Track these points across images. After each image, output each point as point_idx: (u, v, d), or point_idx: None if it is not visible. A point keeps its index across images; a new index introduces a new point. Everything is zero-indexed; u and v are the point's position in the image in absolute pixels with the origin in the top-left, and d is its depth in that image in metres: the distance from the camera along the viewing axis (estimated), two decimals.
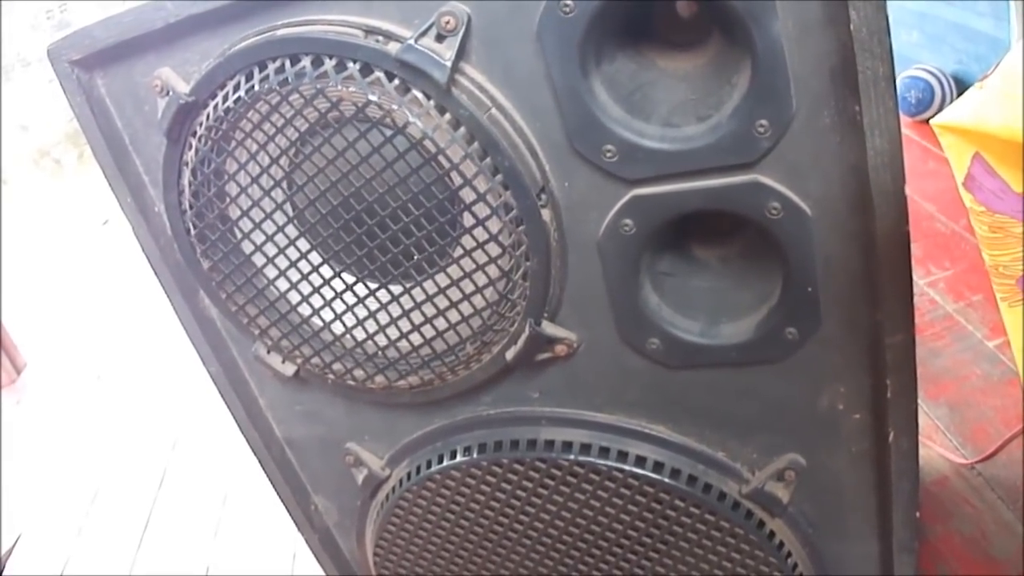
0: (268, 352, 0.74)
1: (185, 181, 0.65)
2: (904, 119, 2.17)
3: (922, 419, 0.73)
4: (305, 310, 0.69)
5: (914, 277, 0.58)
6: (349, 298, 0.67)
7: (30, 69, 3.82)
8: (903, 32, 2.29)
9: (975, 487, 1.23)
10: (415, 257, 0.62)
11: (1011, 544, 1.13)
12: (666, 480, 0.68)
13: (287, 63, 0.59)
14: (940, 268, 1.68)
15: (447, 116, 0.57)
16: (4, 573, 1.65)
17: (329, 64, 0.57)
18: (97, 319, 2.57)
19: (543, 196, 0.59)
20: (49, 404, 2.23)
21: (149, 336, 2.30)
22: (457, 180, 0.58)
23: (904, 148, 0.52)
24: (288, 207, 0.64)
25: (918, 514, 0.68)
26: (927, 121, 2.12)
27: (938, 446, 1.29)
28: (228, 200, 0.65)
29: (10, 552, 1.69)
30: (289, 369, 0.74)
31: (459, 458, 0.74)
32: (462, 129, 0.57)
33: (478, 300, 0.63)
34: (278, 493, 0.87)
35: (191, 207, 0.66)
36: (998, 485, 1.22)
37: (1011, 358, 1.42)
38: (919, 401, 0.62)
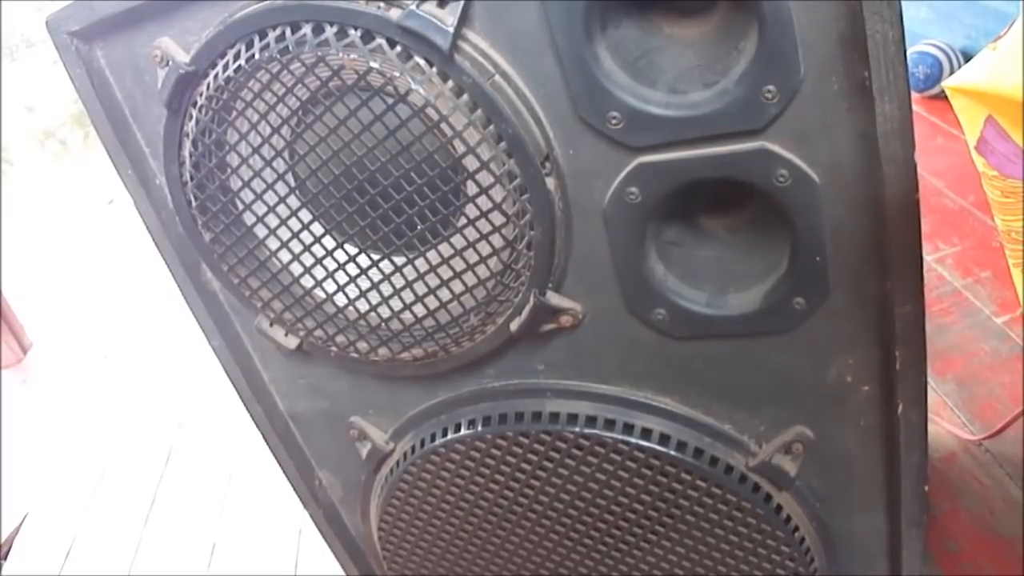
0: (271, 325, 0.74)
1: (186, 152, 0.65)
2: (912, 95, 2.15)
3: (930, 395, 0.72)
4: (308, 282, 0.68)
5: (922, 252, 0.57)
6: (352, 269, 0.66)
7: (35, 50, 3.82)
8: (912, 7, 2.27)
9: (983, 464, 1.22)
10: (418, 227, 0.61)
11: (1018, 522, 1.13)
12: (672, 452, 0.68)
13: (288, 31, 0.58)
14: (948, 244, 1.67)
15: (450, 83, 0.56)
16: (12, 551, 1.65)
17: (330, 31, 0.57)
18: (103, 298, 2.57)
19: (547, 164, 0.59)
20: (55, 383, 2.23)
21: (155, 316, 2.31)
22: (460, 148, 0.57)
23: None
24: (290, 177, 0.64)
25: (926, 488, 0.68)
26: (936, 97, 2.11)
27: (946, 422, 1.28)
28: (229, 171, 0.64)
29: (17, 530, 1.70)
30: (292, 342, 0.74)
31: (463, 431, 0.73)
32: (465, 96, 0.56)
33: (482, 270, 0.62)
34: (282, 468, 0.87)
35: (192, 179, 0.65)
36: (1006, 462, 1.21)
37: (1019, 334, 1.41)
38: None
